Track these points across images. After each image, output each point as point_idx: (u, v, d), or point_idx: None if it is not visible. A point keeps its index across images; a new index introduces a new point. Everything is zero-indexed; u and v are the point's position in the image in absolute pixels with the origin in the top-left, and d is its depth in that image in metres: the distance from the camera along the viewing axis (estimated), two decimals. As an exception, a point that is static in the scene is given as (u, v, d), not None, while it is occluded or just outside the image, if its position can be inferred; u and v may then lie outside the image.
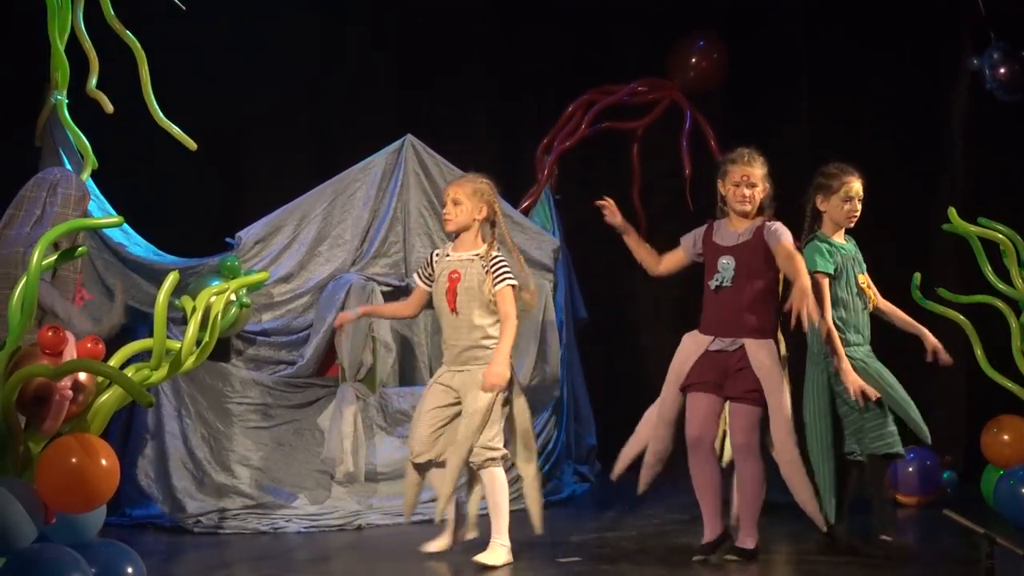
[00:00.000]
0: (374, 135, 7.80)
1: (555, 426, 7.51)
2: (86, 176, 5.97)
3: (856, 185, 5.92)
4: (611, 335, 9.14)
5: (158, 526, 6.66)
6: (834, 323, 5.79)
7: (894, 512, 5.82)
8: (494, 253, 5.85)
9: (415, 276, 6.11)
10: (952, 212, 6.48)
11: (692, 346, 5.82)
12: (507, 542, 5.76)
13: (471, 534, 5.98)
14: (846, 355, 5.75)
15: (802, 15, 8.86)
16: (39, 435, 4.62)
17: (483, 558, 5.71)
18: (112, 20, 5.98)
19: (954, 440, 7.72)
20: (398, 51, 8.99)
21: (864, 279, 5.97)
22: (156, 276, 6.55)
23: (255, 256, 7.01)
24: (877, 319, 6.01)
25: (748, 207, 5.81)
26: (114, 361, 4.84)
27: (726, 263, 5.79)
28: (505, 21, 9.29)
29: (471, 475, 5.91)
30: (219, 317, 5.15)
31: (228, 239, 7.02)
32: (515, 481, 6.23)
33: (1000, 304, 6.54)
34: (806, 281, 5.48)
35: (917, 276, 6.50)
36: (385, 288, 7.13)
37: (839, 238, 5.94)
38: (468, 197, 5.87)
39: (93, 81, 6.05)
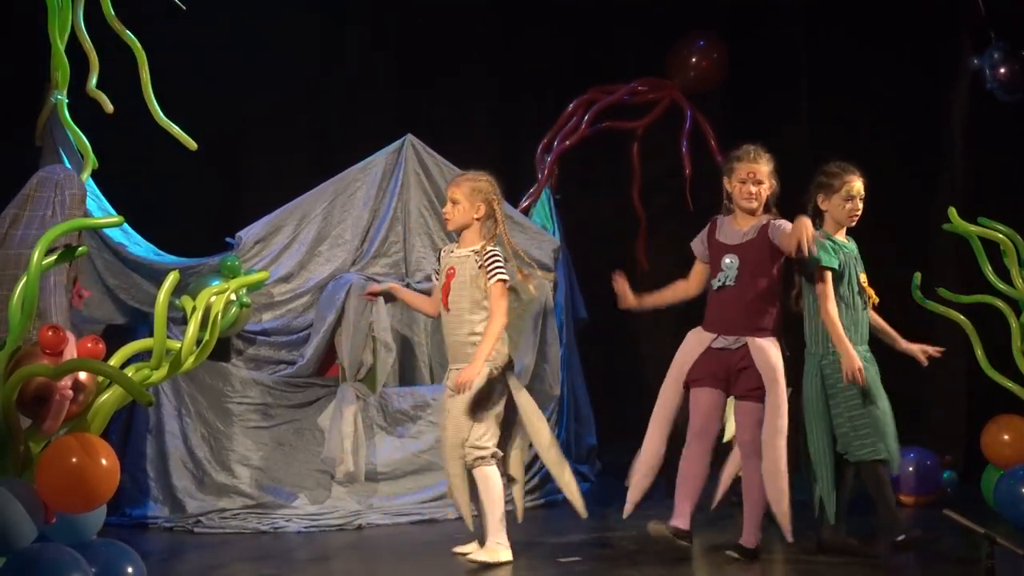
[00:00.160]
0: (374, 135, 7.81)
1: (555, 426, 7.50)
2: (86, 176, 5.96)
3: (858, 184, 5.92)
4: (611, 335, 9.13)
5: (158, 526, 6.66)
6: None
7: (897, 513, 5.81)
8: (489, 248, 5.84)
9: (432, 275, 6.14)
10: (952, 212, 6.48)
11: (695, 343, 5.83)
12: (504, 540, 5.76)
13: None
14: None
15: (802, 15, 8.86)
16: (39, 435, 4.62)
17: (479, 556, 5.71)
18: (112, 20, 5.97)
19: (954, 440, 7.71)
20: (398, 51, 9.00)
21: (864, 278, 5.98)
22: (156, 276, 6.56)
23: (255, 256, 7.01)
24: (881, 318, 6.01)
25: (754, 204, 5.81)
26: (114, 361, 4.84)
27: (730, 262, 5.79)
28: (505, 21, 9.30)
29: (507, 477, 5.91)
30: (219, 317, 5.15)
31: (228, 239, 7.03)
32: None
33: (1000, 304, 6.54)
34: (807, 219, 5.50)
35: (917, 276, 6.50)
36: (385, 288, 7.14)
37: (840, 237, 5.94)
38: (466, 196, 5.87)
39: (93, 81, 6.05)
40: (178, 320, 6.31)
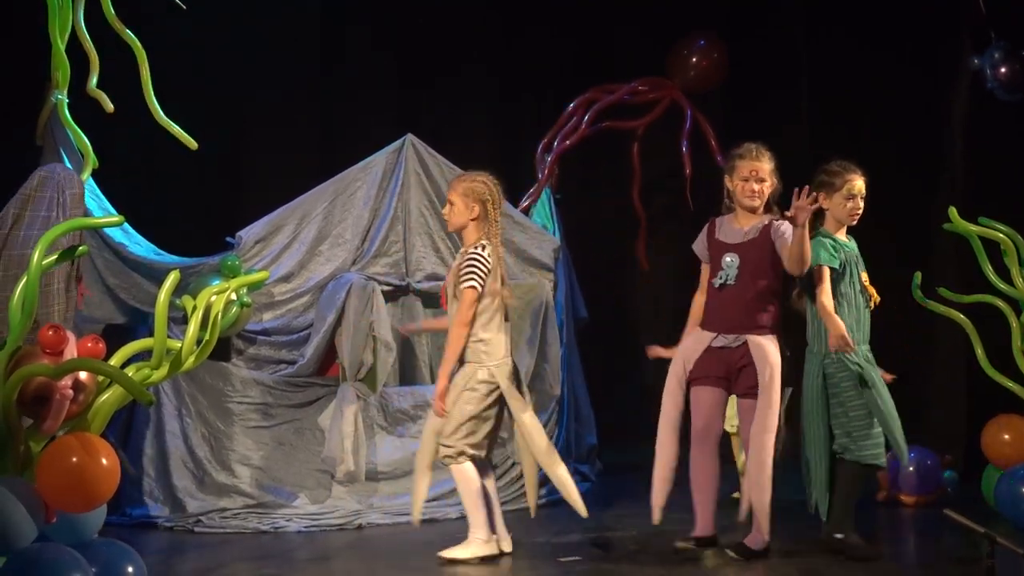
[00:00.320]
0: (374, 135, 7.81)
1: (555, 426, 7.50)
2: (86, 176, 5.96)
3: (859, 183, 5.92)
4: (611, 335, 9.14)
5: (158, 525, 6.66)
6: None
7: (849, 517, 5.80)
8: (471, 252, 5.85)
9: None
10: (953, 212, 6.48)
11: (693, 344, 5.82)
12: (483, 535, 5.79)
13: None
14: (844, 355, 5.75)
15: (802, 15, 8.86)
16: (39, 434, 4.62)
17: (449, 552, 5.78)
18: (113, 19, 5.97)
19: (954, 440, 7.71)
20: (398, 51, 9.00)
21: (866, 277, 5.97)
22: (156, 275, 6.56)
23: (255, 255, 7.01)
24: (879, 319, 6.01)
25: (757, 202, 5.81)
26: (115, 360, 4.84)
27: (730, 261, 5.79)
28: (505, 21, 9.30)
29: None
30: (219, 316, 5.16)
31: (228, 238, 7.03)
32: (519, 479, 6.23)
33: (1001, 304, 6.54)
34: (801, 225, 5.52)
35: (918, 276, 6.50)
36: (386, 287, 7.13)
37: (841, 236, 5.94)
38: (460, 197, 5.89)
39: (93, 80, 6.05)
40: (178, 320, 6.31)
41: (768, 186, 5.82)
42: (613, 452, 8.38)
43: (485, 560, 5.77)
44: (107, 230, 6.60)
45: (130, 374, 4.73)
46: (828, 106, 8.59)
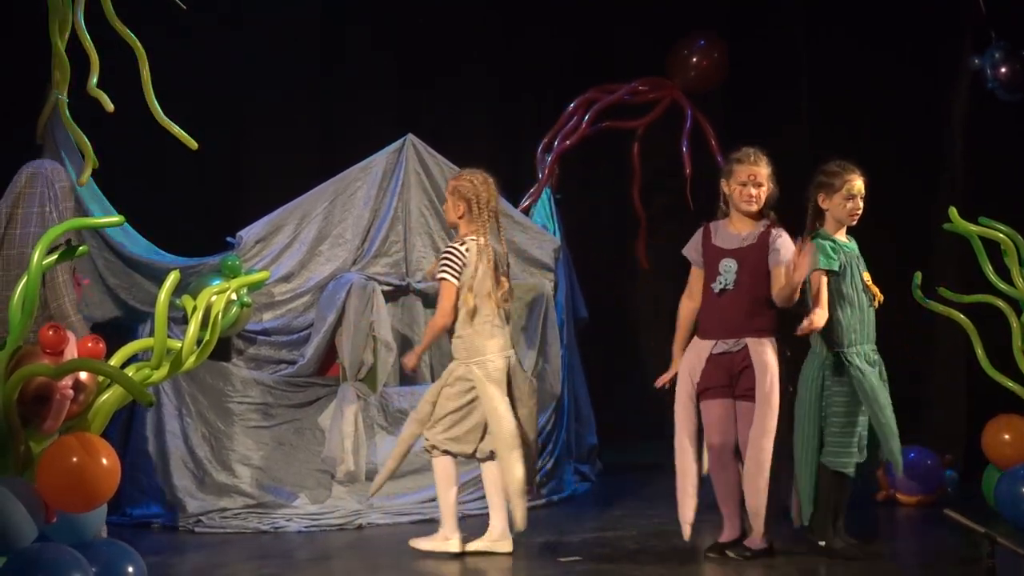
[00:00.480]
0: (374, 135, 7.81)
1: (556, 426, 7.50)
2: (86, 176, 5.96)
3: (858, 183, 5.90)
4: (611, 335, 9.13)
5: (159, 525, 6.66)
6: (839, 322, 5.76)
7: (828, 525, 5.79)
8: (447, 247, 5.98)
9: None
10: (953, 211, 6.47)
11: (694, 357, 5.81)
12: (451, 533, 5.90)
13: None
14: (846, 358, 5.74)
15: (802, 15, 8.85)
16: (40, 434, 4.61)
17: (415, 541, 5.97)
18: (113, 19, 5.97)
19: (954, 440, 7.70)
20: (398, 51, 9.00)
21: (868, 277, 5.96)
22: (157, 275, 6.56)
23: (256, 255, 7.01)
24: (879, 319, 6.01)
25: (754, 207, 5.80)
26: (115, 360, 4.83)
27: (728, 266, 5.78)
28: (505, 21, 9.30)
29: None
30: (220, 316, 5.15)
31: (229, 238, 7.03)
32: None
33: (1001, 304, 6.53)
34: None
35: (918, 275, 6.49)
36: (386, 288, 7.13)
37: (841, 236, 5.93)
38: (448, 196, 6.05)
39: (94, 80, 6.04)
40: (178, 320, 6.31)
41: (765, 191, 5.81)
42: (613, 452, 8.38)
43: (487, 556, 5.82)
44: (107, 230, 6.60)
45: (130, 374, 4.72)
46: (828, 106, 8.59)
